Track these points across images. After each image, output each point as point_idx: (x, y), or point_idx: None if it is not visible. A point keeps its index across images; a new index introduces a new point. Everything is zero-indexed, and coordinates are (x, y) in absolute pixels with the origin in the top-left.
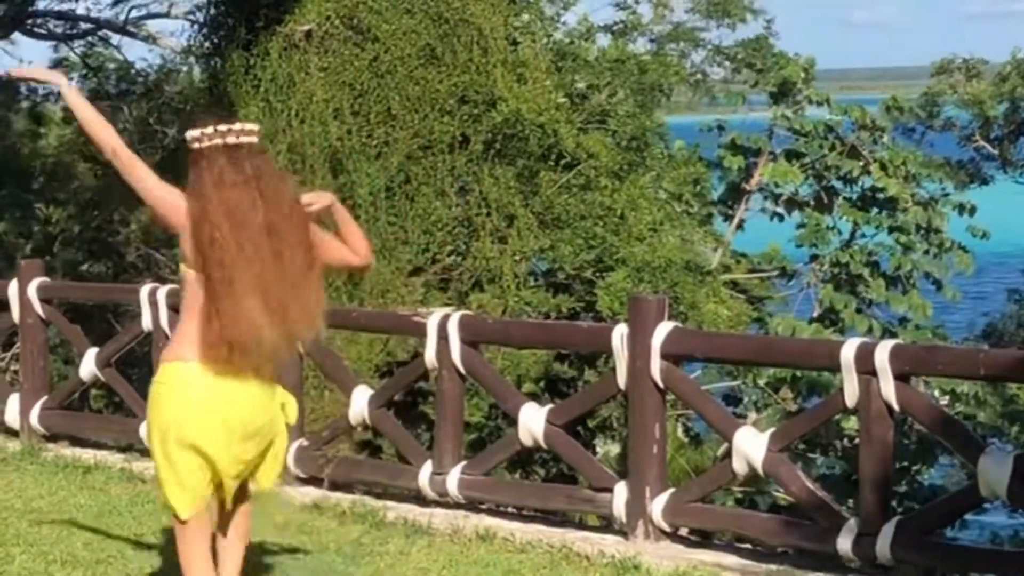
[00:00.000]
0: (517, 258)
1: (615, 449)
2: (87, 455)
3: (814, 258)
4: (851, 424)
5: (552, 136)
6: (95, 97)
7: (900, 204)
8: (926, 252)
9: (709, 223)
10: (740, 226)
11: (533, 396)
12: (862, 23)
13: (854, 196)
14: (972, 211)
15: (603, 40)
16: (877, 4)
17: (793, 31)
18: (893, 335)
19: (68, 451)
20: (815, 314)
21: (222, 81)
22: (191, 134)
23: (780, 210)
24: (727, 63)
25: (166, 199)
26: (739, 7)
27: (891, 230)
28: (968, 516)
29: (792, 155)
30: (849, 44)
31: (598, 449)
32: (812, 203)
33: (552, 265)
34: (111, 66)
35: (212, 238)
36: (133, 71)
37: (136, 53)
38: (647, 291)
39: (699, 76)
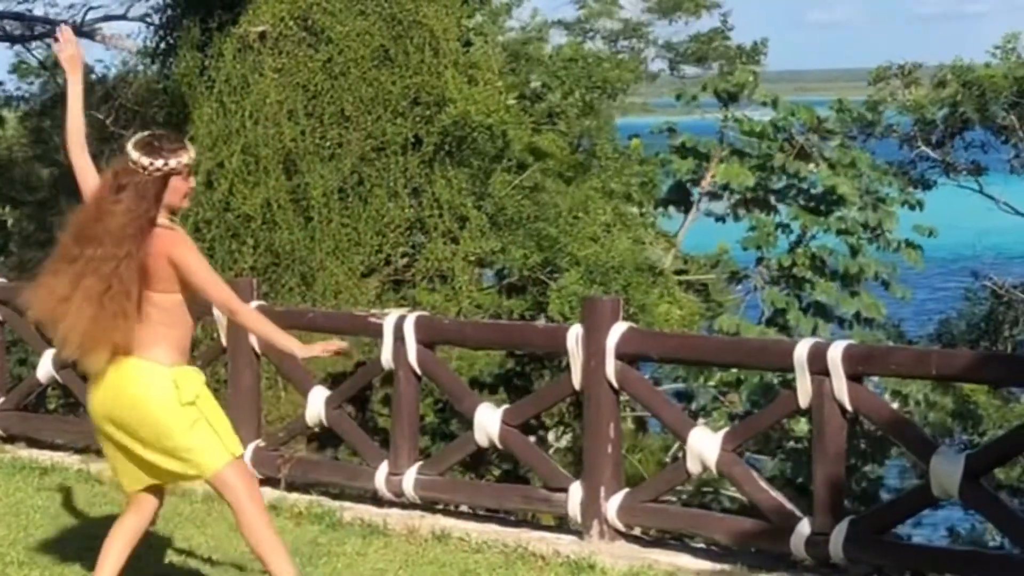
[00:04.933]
0: (470, 259)
1: (564, 441)
2: (44, 456)
3: (760, 260)
4: (800, 427)
5: (501, 137)
6: (52, 100)
7: (849, 203)
8: (877, 248)
9: (659, 224)
10: (681, 226)
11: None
12: (816, 23)
13: (802, 197)
14: (920, 206)
15: (559, 38)
16: (831, 5)
17: (746, 31)
18: (845, 337)
19: (25, 452)
20: (765, 316)
21: (177, 82)
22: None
23: (722, 212)
24: (677, 59)
25: None
26: (691, 4)
27: (839, 232)
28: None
29: (741, 155)
30: (803, 45)
31: (551, 442)
32: (759, 204)
33: (504, 267)
34: None
35: None
36: (93, 75)
37: (92, 55)
38: (598, 292)
39: (650, 72)
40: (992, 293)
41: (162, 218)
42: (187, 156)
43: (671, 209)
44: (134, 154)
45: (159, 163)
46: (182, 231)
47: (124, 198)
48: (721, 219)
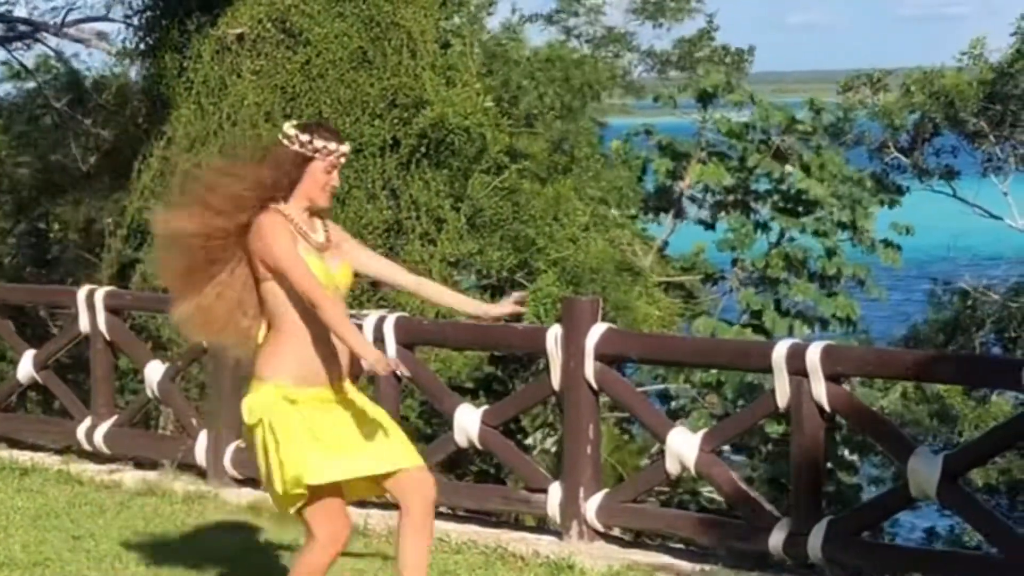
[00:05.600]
0: (448, 261)
1: (550, 443)
2: (24, 457)
3: (735, 262)
4: (776, 428)
5: (480, 139)
6: (32, 100)
7: (825, 207)
8: (854, 246)
9: (638, 225)
10: (672, 231)
11: (471, 393)
12: (796, 25)
13: (778, 198)
14: (896, 203)
15: (538, 34)
16: (811, 7)
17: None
18: (825, 330)
19: (5, 453)
20: (742, 318)
21: (155, 83)
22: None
23: (706, 218)
24: (661, 66)
25: None
26: (675, 8)
27: (815, 234)
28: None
29: (719, 156)
30: (783, 46)
31: (534, 443)
32: (738, 206)
33: (481, 269)
34: (55, 71)
35: None
36: (78, 73)
37: (73, 55)
38: (574, 294)
39: (631, 80)
40: (961, 296)
41: (295, 208)
42: (336, 145)
43: (661, 215)
44: (287, 128)
45: (304, 137)
46: (280, 217)
47: (262, 165)
48: (711, 226)
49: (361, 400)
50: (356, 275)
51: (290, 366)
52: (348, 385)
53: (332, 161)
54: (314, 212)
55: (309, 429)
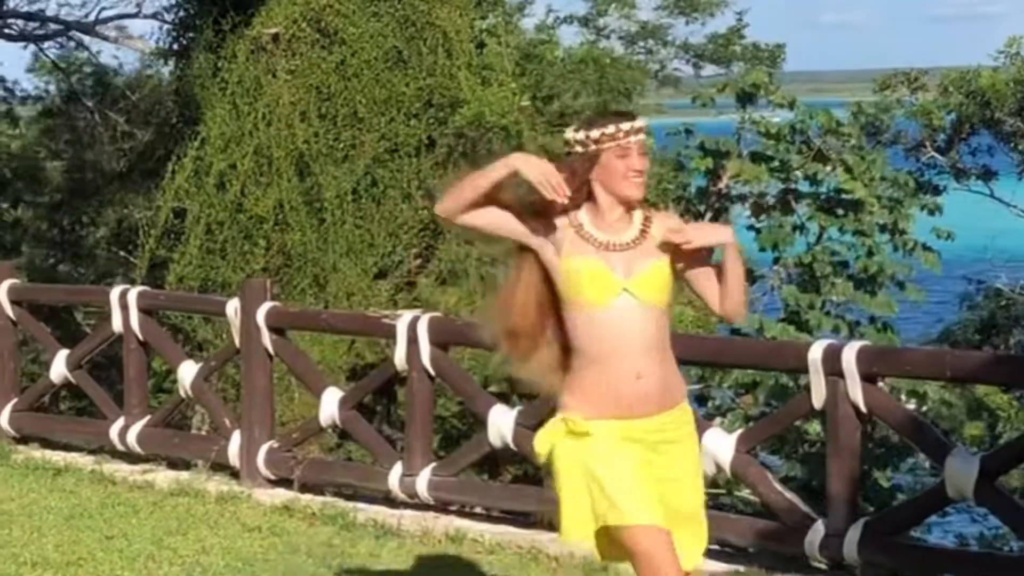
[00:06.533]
0: (484, 260)
1: None
2: (57, 457)
3: (777, 260)
4: (813, 428)
5: (516, 139)
6: (67, 99)
7: (866, 207)
8: (895, 249)
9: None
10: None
11: (502, 396)
12: (831, 25)
13: (819, 198)
14: (939, 210)
15: (572, 35)
16: (846, 7)
17: (761, 32)
18: (861, 335)
19: (38, 453)
20: (781, 316)
21: (190, 83)
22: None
23: (753, 222)
24: (696, 60)
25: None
26: (706, 1)
27: (856, 233)
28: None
29: (759, 157)
30: (818, 46)
31: None
32: (777, 205)
33: None
34: (87, 69)
35: None
36: (110, 72)
37: (105, 54)
38: None
39: (667, 73)
40: (995, 296)
41: (587, 210)
42: (615, 126)
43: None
44: (566, 134)
45: (578, 135)
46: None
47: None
48: (757, 230)
49: (681, 450)
50: (683, 274)
51: (579, 394)
52: (669, 419)
53: (622, 144)
54: (629, 206)
55: (587, 470)
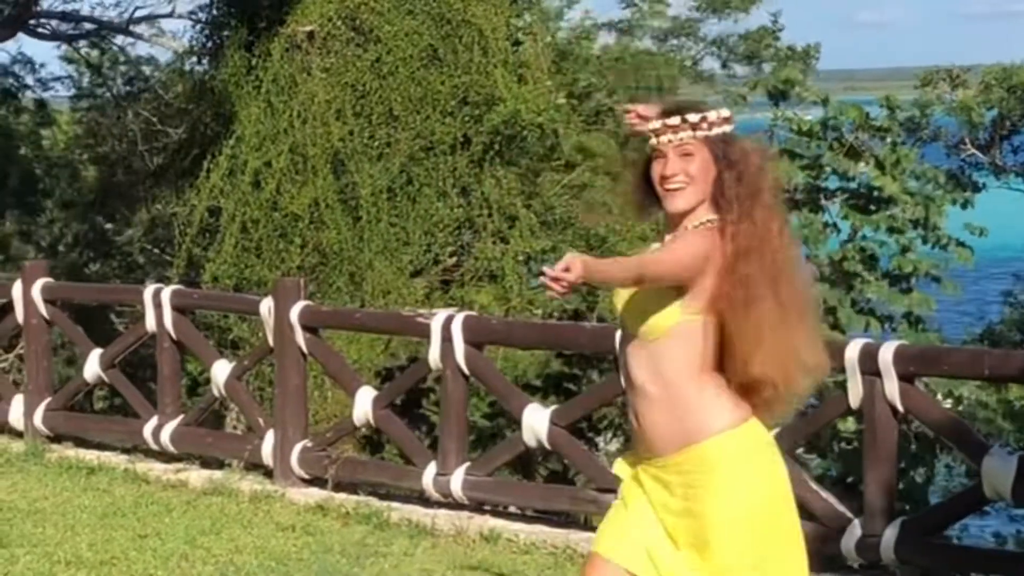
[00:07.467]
0: (519, 258)
1: (615, 444)
2: (91, 456)
3: (808, 258)
4: (848, 425)
5: (553, 136)
6: (99, 98)
7: (899, 203)
8: (925, 242)
9: None
10: None
11: (539, 393)
12: (866, 23)
13: (848, 195)
14: (970, 204)
15: (608, 38)
16: (881, 5)
17: (796, 30)
18: (893, 330)
19: (72, 452)
20: None
21: (224, 81)
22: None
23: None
24: (727, 55)
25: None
26: None
27: (890, 231)
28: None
29: (790, 154)
30: (853, 45)
31: (600, 445)
32: (808, 202)
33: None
34: (122, 68)
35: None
36: (144, 69)
37: (138, 53)
38: None
39: (699, 70)
40: None
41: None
42: (659, 123)
43: None
44: None
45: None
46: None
47: None
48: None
49: (698, 495)
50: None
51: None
52: (684, 460)
53: (660, 143)
54: (675, 218)
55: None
